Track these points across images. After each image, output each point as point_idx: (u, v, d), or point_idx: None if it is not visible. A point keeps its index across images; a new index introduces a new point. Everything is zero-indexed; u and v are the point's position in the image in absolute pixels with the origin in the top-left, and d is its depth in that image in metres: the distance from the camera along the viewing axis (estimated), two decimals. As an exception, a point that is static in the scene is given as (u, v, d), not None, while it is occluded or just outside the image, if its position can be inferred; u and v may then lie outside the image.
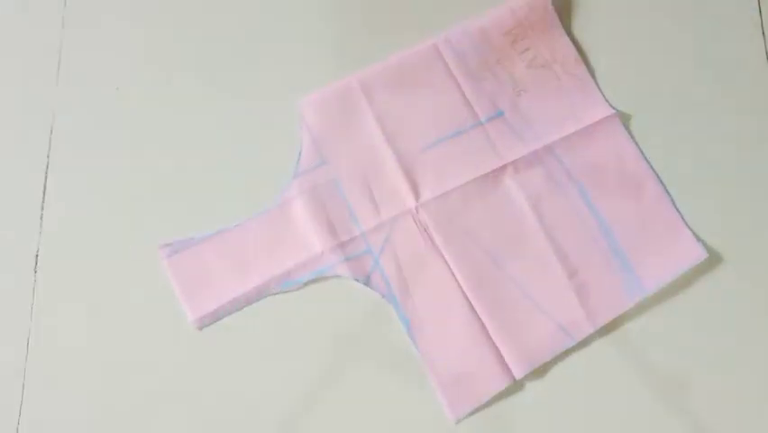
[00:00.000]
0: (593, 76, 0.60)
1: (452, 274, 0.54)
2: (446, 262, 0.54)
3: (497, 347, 0.52)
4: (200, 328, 0.53)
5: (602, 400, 0.52)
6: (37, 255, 0.56)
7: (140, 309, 0.54)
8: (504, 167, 0.57)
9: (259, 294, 0.54)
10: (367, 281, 0.54)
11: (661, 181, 0.56)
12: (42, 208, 0.57)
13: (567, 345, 0.52)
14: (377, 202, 0.56)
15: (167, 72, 0.61)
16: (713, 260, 0.55)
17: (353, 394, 0.52)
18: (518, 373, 0.52)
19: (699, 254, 0.54)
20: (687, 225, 0.55)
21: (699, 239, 0.55)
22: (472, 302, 0.53)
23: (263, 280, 0.54)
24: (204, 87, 0.60)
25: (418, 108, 0.58)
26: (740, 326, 0.54)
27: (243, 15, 0.63)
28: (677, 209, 0.56)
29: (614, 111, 0.58)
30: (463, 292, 0.54)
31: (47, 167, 0.58)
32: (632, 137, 0.58)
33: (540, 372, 0.53)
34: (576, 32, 0.61)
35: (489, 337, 0.53)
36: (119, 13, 0.63)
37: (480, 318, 0.53)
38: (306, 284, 0.54)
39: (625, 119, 0.58)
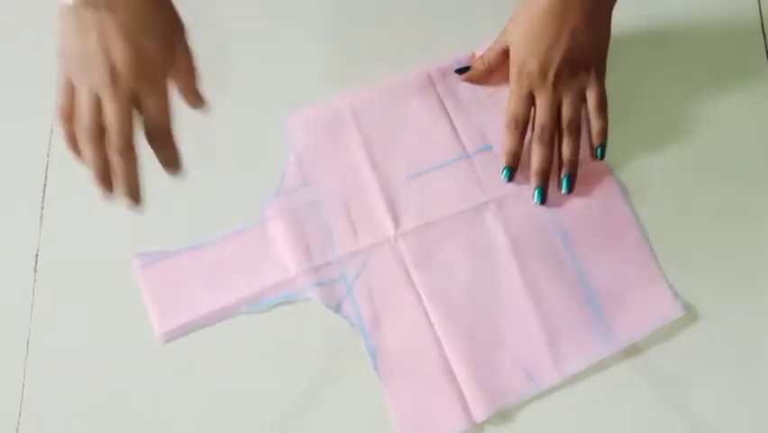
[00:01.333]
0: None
1: (424, 309, 0.53)
2: (419, 295, 0.54)
3: (460, 388, 0.51)
4: (166, 342, 0.53)
5: (602, 400, 0.52)
6: (37, 255, 0.56)
7: (140, 309, 0.54)
8: (487, 203, 0.56)
9: (229, 313, 0.53)
10: (338, 309, 0.53)
11: (644, 233, 0.55)
12: (42, 208, 0.57)
13: (531, 392, 0.51)
14: (356, 228, 0.55)
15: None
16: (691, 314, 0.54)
17: (344, 403, 0.52)
18: (479, 417, 0.51)
19: (676, 311, 0.53)
20: (666, 279, 0.54)
21: (677, 295, 0.54)
22: (441, 340, 0.52)
23: (234, 298, 0.53)
24: (205, 92, 0.60)
25: (406, 136, 0.58)
26: (740, 325, 0.54)
27: (242, 23, 0.63)
28: (657, 262, 0.55)
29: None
30: (433, 329, 0.53)
31: (47, 167, 0.58)
32: (621, 184, 0.57)
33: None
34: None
35: (453, 376, 0.52)
36: (119, 13, 0.63)
37: (446, 356, 0.52)
38: (276, 306, 0.54)
39: (620, 118, 0.58)
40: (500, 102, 0.58)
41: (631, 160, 0.58)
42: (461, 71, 0.59)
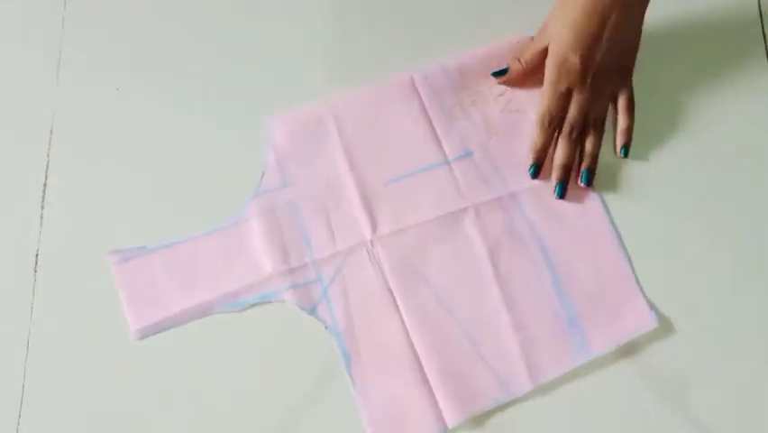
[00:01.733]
0: None
1: (399, 313, 0.53)
2: (394, 299, 0.54)
3: (433, 393, 0.51)
4: (140, 339, 0.53)
5: (602, 400, 0.52)
6: (37, 255, 0.56)
7: (140, 309, 0.54)
8: (465, 209, 0.56)
9: (203, 311, 0.53)
10: (312, 311, 0.53)
11: (621, 243, 0.55)
12: (42, 208, 0.57)
13: (504, 399, 0.51)
14: (333, 231, 0.55)
15: (168, 73, 0.61)
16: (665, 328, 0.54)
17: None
18: (451, 422, 0.50)
19: (650, 322, 0.53)
20: (641, 290, 0.54)
21: (652, 306, 0.54)
22: (415, 344, 0.52)
23: (209, 297, 0.53)
24: (203, 92, 0.60)
25: (387, 141, 0.58)
26: (740, 323, 0.54)
27: (240, 24, 0.63)
28: (634, 273, 0.55)
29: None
30: (407, 332, 0.53)
31: (47, 167, 0.58)
32: (600, 194, 0.57)
33: (540, 372, 0.52)
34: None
35: (426, 382, 0.51)
36: (119, 13, 0.63)
37: (420, 361, 0.52)
38: (251, 306, 0.54)
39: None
40: (483, 110, 0.59)
41: (617, 167, 0.58)
42: (498, 74, 0.59)
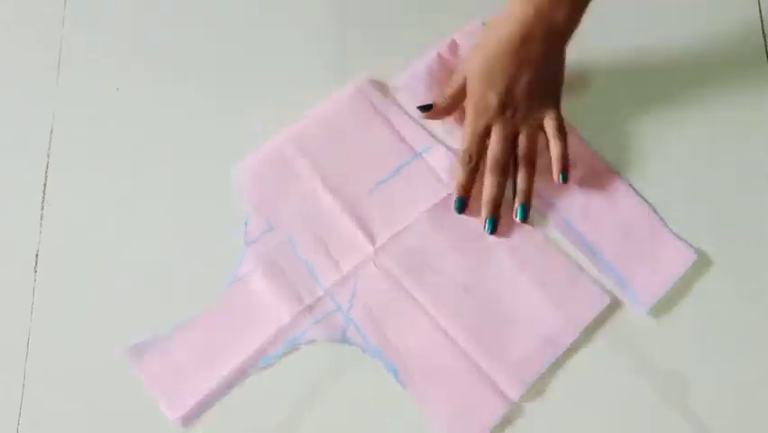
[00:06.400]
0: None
1: (426, 311, 0.53)
2: (416, 300, 0.53)
3: (487, 375, 0.51)
4: (185, 425, 0.51)
5: (602, 400, 0.52)
6: (37, 255, 0.56)
7: (140, 306, 0.54)
8: (451, 193, 0.56)
9: (237, 378, 0.52)
10: (344, 339, 0.52)
11: (634, 188, 0.56)
12: (42, 208, 0.57)
13: (555, 354, 0.52)
14: (334, 256, 0.55)
15: (168, 73, 0.61)
16: (702, 261, 0.54)
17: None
18: (514, 395, 0.51)
19: (689, 256, 0.54)
20: (671, 231, 0.55)
21: (686, 243, 0.54)
22: (452, 334, 0.52)
23: (237, 364, 0.52)
24: (203, 92, 0.60)
25: (355, 153, 0.58)
26: (739, 324, 0.54)
27: (240, 25, 0.63)
28: (657, 214, 0.55)
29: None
30: (441, 327, 0.53)
31: (47, 167, 0.58)
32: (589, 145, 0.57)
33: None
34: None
35: (477, 367, 0.52)
36: (119, 13, 0.63)
37: (463, 349, 0.52)
38: (284, 355, 0.52)
39: (613, 115, 0.58)
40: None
41: (628, 158, 0.58)
42: (423, 109, 0.57)
